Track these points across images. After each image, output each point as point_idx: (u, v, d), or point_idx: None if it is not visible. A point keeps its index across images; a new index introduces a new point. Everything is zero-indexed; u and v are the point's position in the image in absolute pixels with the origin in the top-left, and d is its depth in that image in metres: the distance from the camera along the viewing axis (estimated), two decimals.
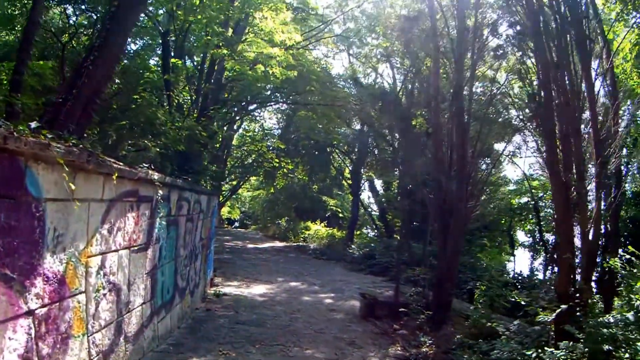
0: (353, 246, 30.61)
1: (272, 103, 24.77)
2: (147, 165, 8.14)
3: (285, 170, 32.89)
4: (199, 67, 17.87)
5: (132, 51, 17.74)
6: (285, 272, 21.42)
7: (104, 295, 6.63)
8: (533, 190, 28.37)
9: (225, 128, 22.41)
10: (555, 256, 21.19)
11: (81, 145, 5.53)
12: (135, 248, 7.82)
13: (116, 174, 6.36)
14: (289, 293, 16.75)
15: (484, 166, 16.47)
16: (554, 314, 8.16)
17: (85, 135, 7.11)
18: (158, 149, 9.75)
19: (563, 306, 8.13)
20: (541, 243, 28.54)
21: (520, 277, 21.61)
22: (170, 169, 10.79)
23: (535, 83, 10.83)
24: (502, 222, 31.14)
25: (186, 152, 14.52)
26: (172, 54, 15.47)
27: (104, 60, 7.48)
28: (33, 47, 8.17)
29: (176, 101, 13.07)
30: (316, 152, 35.13)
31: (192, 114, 16.00)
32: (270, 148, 34.10)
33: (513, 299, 11.31)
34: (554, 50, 9.60)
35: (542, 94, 9.56)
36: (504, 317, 11.75)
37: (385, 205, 36.85)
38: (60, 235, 5.31)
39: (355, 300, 16.19)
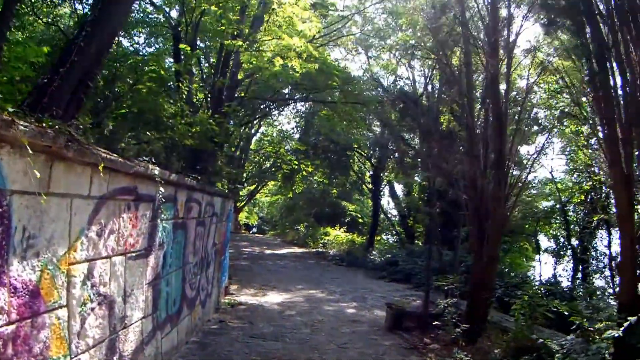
0: (374, 252, 29.55)
1: (291, 102, 23.69)
2: (147, 159, 7.12)
3: (304, 172, 31.96)
4: (211, 62, 16.88)
5: (145, 54, 16.83)
6: (304, 279, 20.39)
7: (92, 309, 5.60)
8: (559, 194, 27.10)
9: (243, 129, 21.40)
10: (613, 263, 20.02)
11: (58, 127, 4.50)
12: (133, 254, 6.81)
13: (102, 165, 5.26)
14: (309, 302, 15.70)
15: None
16: (622, 328, 6.99)
17: (74, 123, 6.06)
18: (162, 143, 8.74)
19: (631, 318, 6.94)
20: (569, 247, 27.16)
21: (549, 284, 20.39)
22: (178, 166, 9.81)
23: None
24: (527, 226, 29.74)
25: (198, 151, 13.59)
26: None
27: (99, 35, 6.46)
28: (14, 19, 7.18)
29: (186, 92, 12.00)
30: (335, 156, 34.05)
31: (206, 111, 15.09)
32: (289, 150, 33.20)
33: (555, 308, 10.12)
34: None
35: (600, 77, 8.40)
36: (544, 329, 10.57)
37: (407, 210, 35.87)
38: (31, 237, 4.28)
39: (379, 309, 15.13)
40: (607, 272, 23.33)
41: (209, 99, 16.57)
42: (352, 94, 18.96)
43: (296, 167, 29.01)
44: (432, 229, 16.71)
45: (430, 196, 16.93)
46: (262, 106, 23.59)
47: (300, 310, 14.33)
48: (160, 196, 7.62)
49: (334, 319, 13.65)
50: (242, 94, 21.51)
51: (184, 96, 12.08)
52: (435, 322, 11.64)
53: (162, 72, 11.42)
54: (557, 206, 27.99)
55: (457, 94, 12.86)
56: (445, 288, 13.39)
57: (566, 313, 9.79)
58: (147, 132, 8.56)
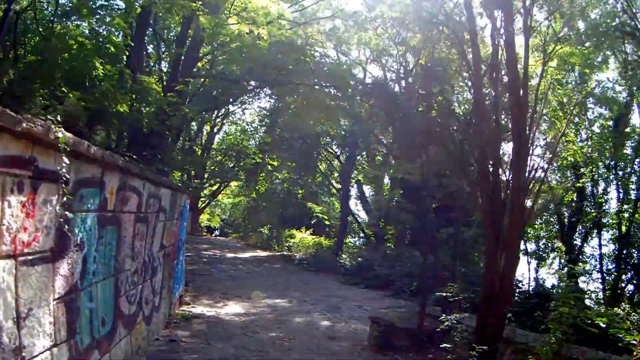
0: (344, 256, 27.55)
1: (257, 88, 21.29)
2: (52, 118, 4.89)
3: (269, 167, 29.81)
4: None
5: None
6: (269, 286, 18.22)
7: None
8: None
9: (203, 113, 19.15)
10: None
11: None
12: (29, 257, 4.62)
13: None
14: (275, 314, 13.57)
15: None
16: None
17: None
18: (86, 104, 6.51)
19: None
20: (554, 249, 25.68)
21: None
22: (107, 140, 7.65)
23: None
24: None
25: (147, 135, 11.44)
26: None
27: None
28: None
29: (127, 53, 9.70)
30: (302, 153, 31.89)
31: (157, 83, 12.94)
32: (252, 143, 31.14)
33: (590, 320, 8.19)
34: None
35: None
36: (577, 346, 8.57)
37: (378, 210, 34.11)
38: None
39: (357, 322, 13.15)
40: (597, 275, 21.93)
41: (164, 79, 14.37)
42: (325, 75, 16.81)
43: (260, 161, 26.86)
44: (427, 228, 14.36)
45: (425, 190, 14.75)
46: (224, 96, 21.21)
47: (266, 324, 12.18)
48: (77, 177, 5.47)
49: (306, 335, 11.56)
50: (205, 81, 19.34)
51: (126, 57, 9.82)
52: (437, 340, 9.60)
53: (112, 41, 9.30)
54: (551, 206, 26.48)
55: (464, 65, 10.82)
56: (450, 299, 11.23)
57: (602, 325, 7.99)
58: (64, 89, 6.30)
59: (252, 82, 18.61)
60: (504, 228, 8.86)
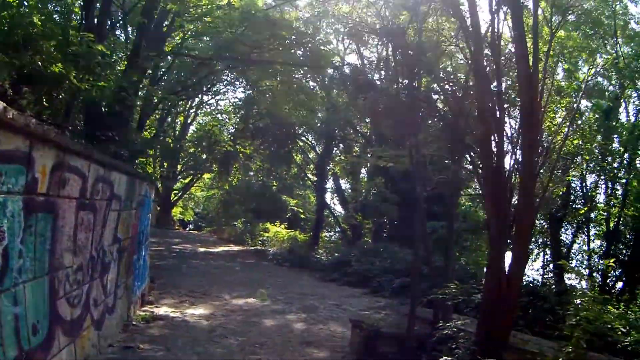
0: (320, 251, 26.48)
1: (229, 67, 19.81)
2: None
3: (241, 155, 28.54)
4: None
5: None
6: (241, 283, 17.01)
7: None
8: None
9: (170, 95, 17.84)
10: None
11: None
12: None
13: None
14: (246, 314, 12.34)
15: None
16: None
17: None
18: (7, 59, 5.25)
19: None
20: (542, 244, 24.96)
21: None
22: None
23: None
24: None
25: (103, 113, 10.23)
26: None
27: None
28: None
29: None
30: (276, 143, 30.58)
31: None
32: (225, 132, 29.84)
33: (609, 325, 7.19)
34: None
35: None
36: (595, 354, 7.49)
37: (355, 203, 33.12)
38: None
39: (336, 323, 12.07)
40: (585, 271, 21.18)
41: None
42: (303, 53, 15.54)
43: (231, 149, 25.61)
44: (418, 220, 13.15)
45: (415, 178, 13.52)
46: (193, 78, 19.84)
47: (235, 328, 10.94)
48: None
49: (280, 339, 10.38)
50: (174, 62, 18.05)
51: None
52: (429, 348, 8.44)
53: None
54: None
55: (456, 36, 9.70)
56: (450, 302, 10.00)
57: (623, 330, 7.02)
58: None
59: (224, 63, 17.21)
60: (515, 217, 7.73)
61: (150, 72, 16.22)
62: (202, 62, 16.19)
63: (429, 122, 13.30)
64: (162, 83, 17.76)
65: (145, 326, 10.41)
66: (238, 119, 31.57)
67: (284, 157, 32.18)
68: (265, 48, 13.24)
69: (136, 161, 11.87)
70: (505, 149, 8.39)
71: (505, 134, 8.63)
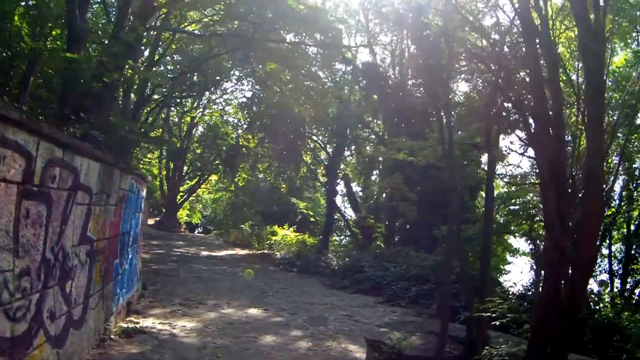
0: (330, 255, 24.91)
1: (227, 39, 18.16)
2: None
3: (244, 150, 27.08)
4: None
5: None
6: (242, 290, 15.48)
7: None
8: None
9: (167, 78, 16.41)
10: None
11: None
12: None
13: None
14: (245, 328, 10.75)
15: None
16: None
17: None
18: None
19: None
20: None
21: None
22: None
23: None
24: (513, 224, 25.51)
25: (80, 93, 8.80)
26: None
27: None
28: None
29: None
30: (285, 142, 29.03)
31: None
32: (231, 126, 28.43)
33: None
34: None
35: None
36: None
37: (366, 206, 31.75)
38: None
39: (347, 339, 10.54)
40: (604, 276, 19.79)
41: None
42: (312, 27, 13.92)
43: (233, 142, 24.19)
44: (454, 217, 11.38)
45: (445, 170, 11.75)
46: (191, 63, 18.35)
47: (230, 345, 9.35)
48: None
49: None
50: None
51: None
52: None
53: None
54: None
55: None
56: (495, 320, 8.18)
57: None
58: None
59: (226, 42, 15.65)
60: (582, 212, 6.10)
61: (145, 54, 14.87)
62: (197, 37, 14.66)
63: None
64: (161, 67, 16.42)
65: (125, 341, 8.90)
66: (246, 117, 30.04)
67: (293, 157, 30.71)
68: (270, 19, 11.73)
69: (128, 153, 10.36)
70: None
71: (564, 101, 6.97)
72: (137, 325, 9.90)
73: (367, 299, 16.30)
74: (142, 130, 12.33)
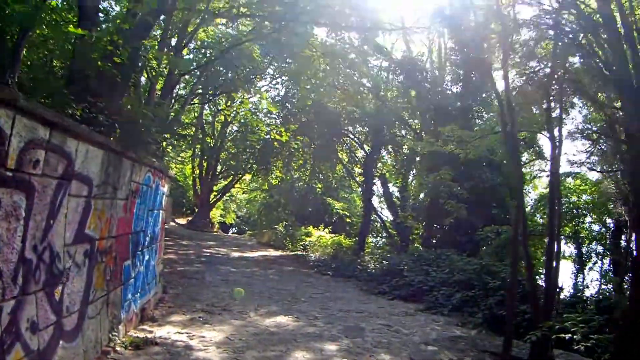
0: (366, 258, 23.64)
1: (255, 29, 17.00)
2: None
3: (276, 144, 25.98)
4: None
5: None
6: (272, 295, 14.33)
7: None
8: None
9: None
10: None
11: None
12: None
13: None
14: (272, 340, 9.54)
15: None
16: None
17: None
18: None
19: None
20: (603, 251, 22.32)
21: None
22: None
23: None
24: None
25: (86, 75, 7.82)
26: None
27: None
28: None
29: None
30: (323, 125, 27.78)
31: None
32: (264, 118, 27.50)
33: None
34: None
35: None
36: None
37: (402, 205, 30.45)
38: None
39: (388, 352, 9.29)
40: None
41: None
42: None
43: (264, 136, 23.05)
44: (521, 213, 10.00)
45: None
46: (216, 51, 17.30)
47: None
48: None
49: None
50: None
51: None
52: None
53: None
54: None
55: None
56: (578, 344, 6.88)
57: None
58: None
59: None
60: None
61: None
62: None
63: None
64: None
65: (132, 354, 7.78)
66: (279, 110, 28.89)
67: (328, 154, 29.60)
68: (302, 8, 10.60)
69: (141, 142, 9.27)
70: None
71: None
72: (150, 335, 8.81)
73: (407, 306, 15.00)
74: (165, 118, 11.27)
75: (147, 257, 10.17)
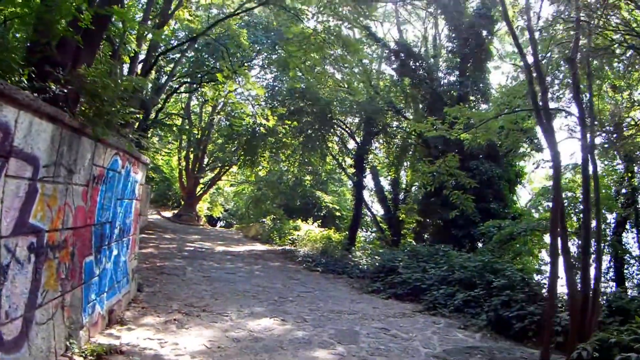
0: (358, 253, 22.62)
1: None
2: None
3: (263, 130, 24.87)
4: None
5: None
6: (257, 293, 13.20)
7: None
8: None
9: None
10: None
11: None
12: None
13: None
14: (256, 347, 8.39)
15: None
16: None
17: None
18: None
19: None
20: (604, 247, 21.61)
21: None
22: None
23: None
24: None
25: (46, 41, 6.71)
26: None
27: None
28: None
29: None
30: (313, 112, 26.62)
31: None
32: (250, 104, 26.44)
33: None
34: None
35: None
36: None
37: (394, 199, 29.61)
38: None
39: None
40: None
41: None
42: None
43: (250, 120, 21.99)
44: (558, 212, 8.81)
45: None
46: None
47: None
48: None
49: None
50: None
51: None
52: None
53: None
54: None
55: None
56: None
57: None
58: None
59: None
60: None
61: None
62: None
63: None
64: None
65: None
66: (265, 93, 27.69)
67: (318, 144, 28.51)
68: None
69: (104, 116, 8.09)
70: None
71: None
72: (117, 342, 7.67)
73: (404, 306, 13.94)
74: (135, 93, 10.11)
75: (115, 252, 9.03)
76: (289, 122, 25.07)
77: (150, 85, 16.93)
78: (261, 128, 24.34)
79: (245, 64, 25.59)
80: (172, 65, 21.55)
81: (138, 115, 9.88)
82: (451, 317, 12.79)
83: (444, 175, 15.30)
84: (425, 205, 25.04)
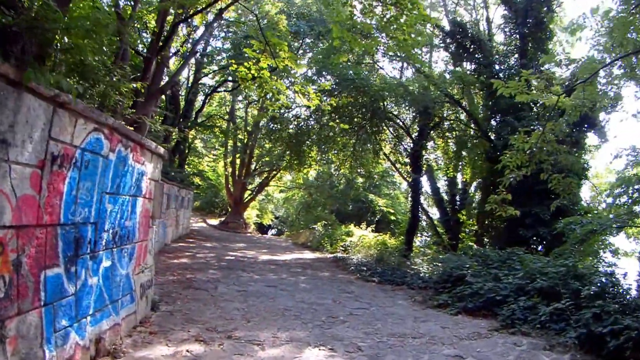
0: (417, 260, 20.22)
1: None
2: None
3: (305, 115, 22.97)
4: None
5: None
6: (301, 312, 10.85)
7: None
8: None
9: None
10: None
11: None
12: None
13: None
14: None
15: None
16: None
17: None
18: None
19: None
20: None
21: None
22: None
23: None
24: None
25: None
26: None
27: None
28: None
29: None
30: (364, 109, 24.37)
31: None
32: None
33: None
34: None
35: None
36: None
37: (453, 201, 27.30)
38: None
39: None
40: None
41: None
42: None
43: (287, 103, 20.17)
44: None
45: None
46: None
47: None
48: None
49: None
50: None
51: None
52: None
53: None
54: None
55: None
56: None
57: None
58: None
59: None
60: None
61: None
62: None
63: None
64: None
65: None
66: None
67: (370, 136, 26.25)
68: None
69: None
70: None
71: None
72: None
73: (477, 323, 11.37)
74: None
75: (107, 264, 6.89)
76: (334, 101, 22.56)
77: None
78: (303, 114, 22.27)
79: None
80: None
81: (135, 86, 7.76)
82: (534, 335, 10.21)
83: (541, 153, 11.83)
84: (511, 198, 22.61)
